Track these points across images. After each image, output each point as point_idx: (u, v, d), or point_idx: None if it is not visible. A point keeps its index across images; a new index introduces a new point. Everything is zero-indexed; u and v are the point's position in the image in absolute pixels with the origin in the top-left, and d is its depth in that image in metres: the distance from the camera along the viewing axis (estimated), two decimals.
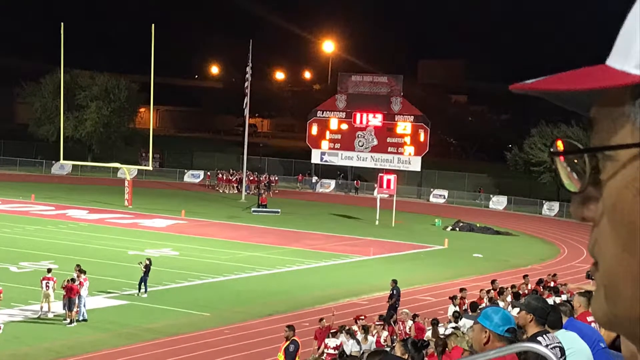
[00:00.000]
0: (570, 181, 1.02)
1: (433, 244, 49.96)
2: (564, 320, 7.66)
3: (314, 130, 74.53)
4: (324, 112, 74.41)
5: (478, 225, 59.09)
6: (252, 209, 61.52)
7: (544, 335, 6.40)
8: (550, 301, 14.55)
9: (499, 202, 75.97)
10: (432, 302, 33.00)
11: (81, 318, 27.51)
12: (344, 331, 23.17)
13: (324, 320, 24.53)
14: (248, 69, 70.06)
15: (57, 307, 27.93)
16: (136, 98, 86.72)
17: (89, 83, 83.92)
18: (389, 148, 72.03)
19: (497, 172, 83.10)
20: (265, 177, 75.02)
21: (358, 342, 22.64)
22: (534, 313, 6.61)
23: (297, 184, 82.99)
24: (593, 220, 1.01)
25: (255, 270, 38.11)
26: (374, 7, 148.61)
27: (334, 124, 73.88)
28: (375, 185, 65.18)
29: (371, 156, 72.75)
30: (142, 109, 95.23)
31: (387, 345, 22.32)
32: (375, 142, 72.47)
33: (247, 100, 70.28)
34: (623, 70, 0.96)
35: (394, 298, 29.65)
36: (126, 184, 60.51)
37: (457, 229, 57.96)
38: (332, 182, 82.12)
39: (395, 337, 23.53)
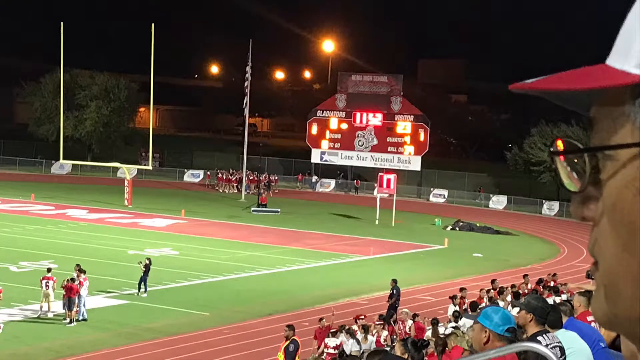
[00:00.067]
0: (570, 181, 1.02)
1: (433, 244, 49.95)
2: (564, 319, 7.66)
3: (314, 129, 74.52)
4: (324, 112, 74.39)
5: (478, 224, 59.09)
6: (252, 209, 61.52)
7: (544, 335, 6.40)
8: (550, 301, 14.55)
9: (498, 202, 75.97)
10: (432, 302, 33.00)
11: (81, 318, 27.50)
12: (343, 331, 23.17)
13: (324, 320, 24.53)
14: (248, 69, 70.05)
15: (57, 306, 27.92)
16: (136, 97, 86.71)
17: (89, 82, 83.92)
18: (389, 147, 72.01)
19: (497, 171, 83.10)
20: (265, 177, 75.01)
21: (358, 342, 22.64)
22: (534, 313, 6.60)
23: (297, 183, 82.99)
24: (593, 220, 1.01)
25: (255, 269, 38.10)
26: (374, 6, 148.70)
27: (333, 123, 73.87)
28: (375, 184, 65.18)
29: (371, 156, 72.73)
30: (141, 109, 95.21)
31: (387, 344, 22.31)
32: (375, 142, 72.46)
33: (247, 99, 70.27)
34: (623, 69, 0.96)
35: (394, 298, 29.65)
36: (126, 183, 60.50)
37: (457, 228, 57.96)
38: (332, 182, 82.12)
39: (395, 336, 23.52)
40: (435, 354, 14.73)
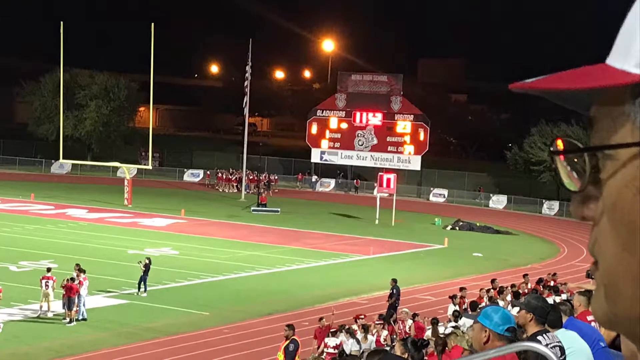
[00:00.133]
0: (570, 180, 1.02)
1: (433, 243, 49.95)
2: (564, 319, 7.65)
3: (314, 129, 74.49)
4: (324, 111, 74.37)
5: (478, 224, 59.09)
6: (252, 208, 61.52)
7: (544, 335, 6.39)
8: (550, 300, 14.55)
9: (498, 201, 75.97)
10: (431, 302, 33.00)
11: (81, 317, 27.50)
12: (343, 330, 23.16)
13: (324, 320, 24.52)
14: (248, 68, 70.05)
15: (57, 306, 27.92)
16: (136, 97, 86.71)
17: (89, 82, 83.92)
18: (389, 147, 71.98)
19: (497, 171, 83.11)
20: (265, 176, 75.01)
21: (358, 342, 22.63)
22: (534, 312, 6.60)
23: (297, 183, 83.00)
24: (593, 220, 1.01)
25: (254, 269, 38.10)
26: (374, 6, 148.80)
27: (333, 123, 73.84)
28: (375, 184, 65.16)
29: (371, 155, 72.71)
30: (141, 108, 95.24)
31: (386, 344, 22.32)
32: (375, 141, 72.43)
33: (246, 99, 70.29)
34: (623, 69, 0.96)
35: (394, 297, 29.64)
36: (126, 183, 60.50)
37: (457, 228, 57.96)
38: (332, 181, 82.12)
39: (395, 336, 23.53)
40: (435, 353, 14.73)
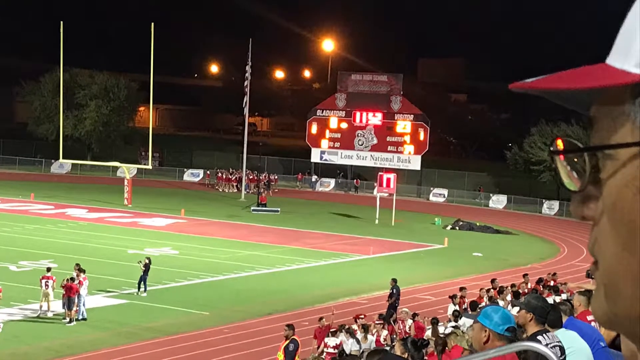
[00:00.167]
0: (570, 180, 1.02)
1: (433, 243, 49.95)
2: (564, 319, 7.65)
3: (314, 129, 74.52)
4: (324, 111, 74.39)
5: (478, 224, 59.09)
6: (252, 208, 61.52)
7: (544, 335, 6.39)
8: (550, 300, 14.54)
9: (498, 201, 75.97)
10: (431, 301, 32.99)
11: (80, 317, 27.49)
12: (343, 330, 23.15)
13: (324, 319, 24.52)
14: (248, 68, 70.04)
15: (57, 306, 27.91)
16: (135, 97, 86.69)
17: (89, 82, 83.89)
18: (389, 147, 72.01)
19: (497, 171, 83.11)
20: (265, 176, 75.01)
21: (358, 341, 22.63)
22: (534, 312, 6.60)
23: (297, 182, 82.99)
24: (593, 219, 1.01)
25: (254, 269, 38.09)
26: (374, 6, 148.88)
27: (333, 122, 73.87)
28: (375, 184, 65.16)
29: (371, 155, 72.73)
30: (141, 108, 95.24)
31: (386, 344, 22.31)
32: (375, 141, 72.45)
33: (246, 99, 70.29)
34: (623, 69, 0.96)
35: (394, 297, 29.63)
36: (126, 182, 60.49)
37: (457, 228, 57.96)
38: (332, 181, 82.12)
39: (395, 336, 23.52)
40: (435, 353, 14.72)
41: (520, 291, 27.24)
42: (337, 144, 73.91)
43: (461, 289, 29.11)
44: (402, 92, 72.33)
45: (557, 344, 6.30)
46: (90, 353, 24.17)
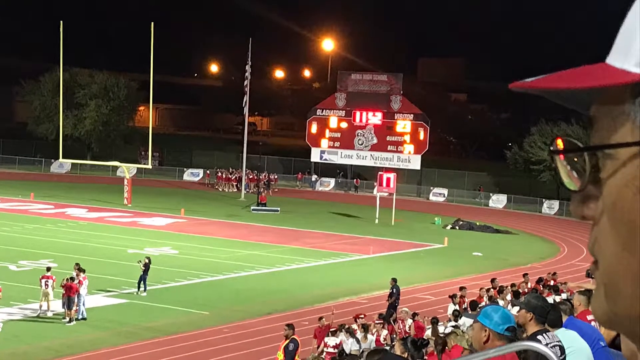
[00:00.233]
0: (570, 180, 1.02)
1: (433, 243, 49.94)
2: (564, 319, 7.64)
3: (314, 128, 74.54)
4: (324, 111, 74.41)
5: (478, 223, 59.08)
6: (252, 208, 61.52)
7: (544, 334, 6.38)
8: (550, 300, 14.54)
9: (498, 201, 75.97)
10: (431, 301, 32.99)
11: (80, 317, 27.49)
12: (343, 330, 23.15)
13: (324, 319, 24.50)
14: (247, 68, 70.03)
15: (57, 305, 27.90)
16: (135, 96, 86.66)
17: (88, 81, 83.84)
18: (389, 146, 72.03)
19: (497, 170, 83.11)
20: (265, 176, 75.00)
21: (358, 341, 22.62)
22: (534, 312, 6.59)
23: (297, 182, 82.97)
24: (593, 219, 1.01)
25: (254, 268, 38.09)
26: (374, 5, 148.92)
27: (333, 122, 73.88)
28: (375, 183, 65.15)
29: (371, 154, 72.74)
30: (141, 107, 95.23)
31: (386, 344, 22.30)
32: (375, 141, 72.46)
33: (246, 98, 70.28)
34: (623, 68, 0.96)
35: (394, 297, 29.63)
36: (125, 182, 60.48)
37: (457, 227, 57.96)
38: (332, 181, 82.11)
39: (394, 335, 23.51)
40: (435, 353, 14.71)
41: (520, 291, 27.23)
42: (337, 144, 73.93)
43: (461, 288, 29.10)
44: (402, 92, 72.35)
45: (557, 343, 6.29)
46: (90, 353, 24.16)
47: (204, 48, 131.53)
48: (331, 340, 22.70)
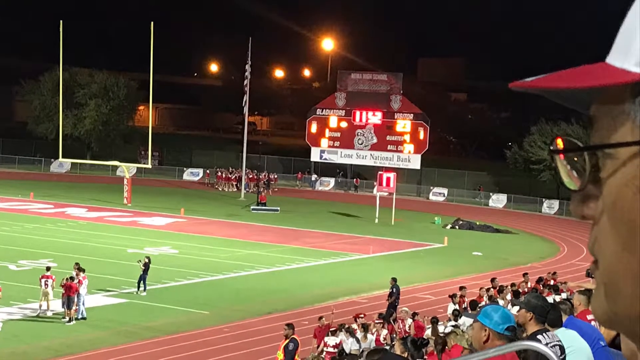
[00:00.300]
0: (570, 179, 1.02)
1: (433, 242, 49.95)
2: (564, 318, 7.63)
3: (314, 128, 74.55)
4: (324, 110, 74.41)
5: (478, 223, 59.08)
6: (252, 207, 61.51)
7: (544, 334, 6.37)
8: (550, 299, 14.52)
9: (498, 200, 75.97)
10: (431, 301, 32.98)
11: (80, 316, 27.49)
12: (343, 329, 23.14)
13: (324, 319, 24.50)
14: (247, 67, 70.03)
15: (56, 305, 27.89)
16: (135, 96, 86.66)
17: (88, 81, 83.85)
18: (389, 146, 72.03)
19: (497, 170, 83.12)
20: (265, 175, 75.00)
21: (357, 341, 22.61)
22: (534, 311, 6.58)
23: (297, 182, 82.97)
24: (593, 219, 1.01)
25: (254, 268, 38.09)
26: (374, 5, 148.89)
27: (333, 121, 73.89)
28: (375, 183, 65.15)
29: (371, 154, 72.74)
30: (141, 107, 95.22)
31: (386, 343, 22.30)
32: (375, 140, 72.47)
33: (246, 98, 70.28)
34: (623, 68, 0.96)
35: (394, 296, 29.62)
36: (125, 182, 60.48)
37: (457, 227, 57.96)
38: (332, 180, 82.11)
39: (394, 335, 23.51)
40: (435, 352, 14.71)
41: (520, 290, 27.23)
42: (337, 143, 73.94)
43: (461, 288, 29.10)
44: (402, 91, 72.36)
45: (557, 343, 6.28)
46: (90, 352, 24.16)
47: (204, 48, 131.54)
48: (331, 340, 22.70)
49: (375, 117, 72.28)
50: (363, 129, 72.81)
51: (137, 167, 73.07)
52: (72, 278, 27.73)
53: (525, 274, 32.17)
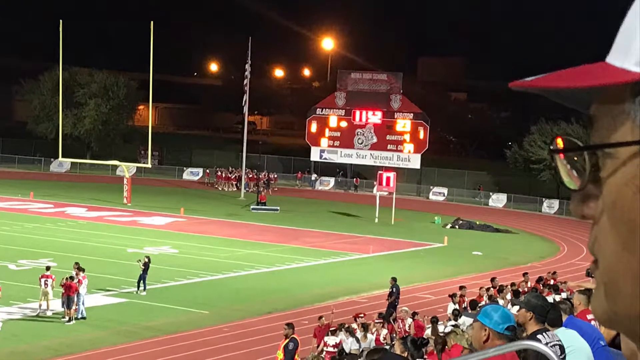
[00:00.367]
0: (570, 179, 1.01)
1: (432, 242, 49.95)
2: (564, 318, 7.62)
3: (313, 127, 74.54)
4: (324, 110, 74.41)
5: (478, 223, 59.07)
6: (251, 207, 61.51)
7: (544, 333, 6.37)
8: (550, 299, 14.52)
9: (498, 200, 75.97)
10: (431, 300, 32.99)
11: (80, 316, 27.49)
12: (343, 329, 23.14)
13: (323, 318, 24.50)
14: (247, 67, 70.01)
15: (56, 305, 27.89)
16: (135, 95, 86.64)
17: (88, 80, 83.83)
18: (389, 145, 72.03)
19: (497, 169, 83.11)
20: (265, 175, 74.99)
21: (357, 340, 22.61)
22: (534, 311, 6.58)
23: (297, 181, 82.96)
24: (593, 218, 1.01)
25: (254, 268, 38.09)
26: (374, 4, 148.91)
27: (333, 121, 73.89)
28: (375, 182, 65.14)
29: (370, 154, 72.75)
30: (141, 107, 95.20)
31: (386, 343, 22.30)
32: (375, 140, 72.47)
33: (246, 97, 70.27)
34: (623, 67, 0.96)
35: (394, 296, 29.62)
36: (125, 181, 60.48)
37: (457, 226, 57.95)
38: (332, 180, 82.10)
39: (394, 335, 23.51)
40: (435, 352, 14.71)
41: (520, 290, 27.23)
42: (337, 143, 73.94)
43: (461, 287, 29.10)
44: (401, 91, 72.37)
45: (557, 342, 6.28)
46: (90, 352, 24.16)
47: (204, 47, 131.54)
48: (331, 340, 22.70)
49: (375, 117, 72.28)
50: (363, 129, 72.80)
51: (137, 167, 73.07)
52: (71, 278, 27.74)
53: (525, 274, 32.18)
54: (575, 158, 1.01)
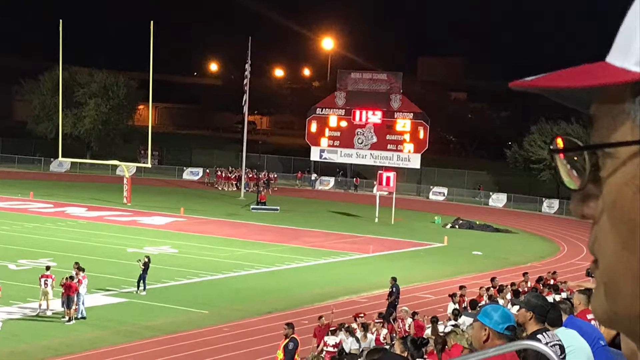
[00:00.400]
0: (570, 178, 1.01)
1: (432, 242, 49.95)
2: (564, 318, 7.62)
3: (313, 127, 74.54)
4: (323, 110, 74.40)
5: (478, 222, 59.07)
6: (251, 207, 61.51)
7: (544, 333, 6.36)
8: (550, 299, 14.51)
9: (498, 200, 75.97)
10: (431, 300, 32.99)
11: (80, 316, 27.48)
12: (343, 329, 23.14)
13: (323, 318, 24.50)
14: (247, 66, 70.01)
15: (56, 304, 27.89)
16: (135, 95, 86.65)
17: (88, 80, 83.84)
18: (389, 145, 72.02)
19: (497, 169, 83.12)
20: (264, 175, 74.99)
21: (357, 340, 22.61)
22: (534, 311, 6.57)
23: (296, 181, 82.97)
24: (593, 218, 1.01)
25: (254, 267, 38.09)
26: (374, 4, 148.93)
27: (333, 121, 73.88)
28: (375, 182, 65.14)
29: (370, 153, 72.74)
30: (140, 106, 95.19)
31: (386, 343, 22.29)
32: (375, 140, 72.46)
33: (246, 97, 70.27)
34: (623, 67, 0.96)
35: (394, 296, 29.62)
36: (125, 181, 60.47)
37: (457, 226, 57.95)
38: (332, 180, 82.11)
39: (394, 334, 23.51)
40: (435, 352, 14.70)
41: (520, 290, 27.22)
42: (337, 143, 73.94)
43: (461, 287, 29.10)
44: (401, 91, 72.36)
45: (557, 342, 6.27)
46: (90, 352, 24.16)
47: (204, 47, 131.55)
48: (331, 339, 22.70)
49: (375, 117, 72.28)
50: (363, 129, 72.80)
51: (137, 167, 73.07)
52: (71, 277, 27.74)
53: (525, 274, 32.18)
54: (575, 158, 1.01)
